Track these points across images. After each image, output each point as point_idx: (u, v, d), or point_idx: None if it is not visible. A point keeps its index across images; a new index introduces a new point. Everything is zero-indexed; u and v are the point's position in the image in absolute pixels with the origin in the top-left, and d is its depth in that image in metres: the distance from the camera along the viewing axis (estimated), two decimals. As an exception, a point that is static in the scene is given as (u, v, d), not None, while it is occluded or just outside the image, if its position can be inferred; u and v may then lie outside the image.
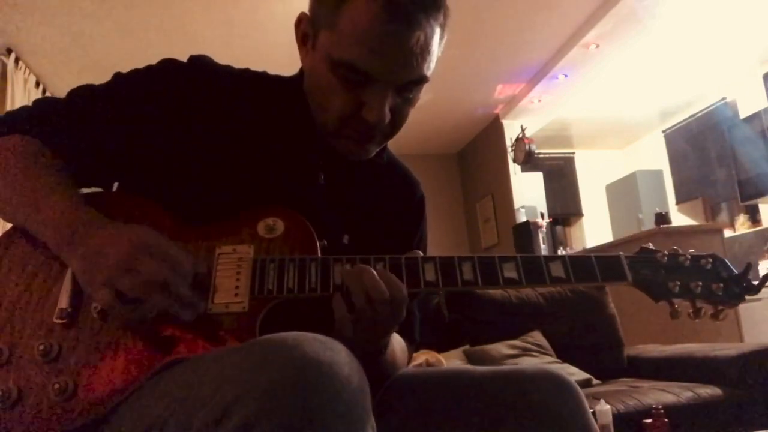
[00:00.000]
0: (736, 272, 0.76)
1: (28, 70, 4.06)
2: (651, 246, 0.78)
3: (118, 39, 3.86)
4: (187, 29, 3.81)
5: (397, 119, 0.79)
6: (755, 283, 0.75)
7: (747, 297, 0.74)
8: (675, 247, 0.77)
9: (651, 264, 0.76)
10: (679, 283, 0.74)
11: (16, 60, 3.91)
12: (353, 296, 0.68)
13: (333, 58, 0.73)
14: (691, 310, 0.75)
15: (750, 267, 0.74)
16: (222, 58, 0.86)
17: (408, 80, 0.75)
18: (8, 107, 3.73)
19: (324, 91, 0.77)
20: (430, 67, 0.76)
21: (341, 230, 0.84)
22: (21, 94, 3.91)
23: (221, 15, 3.68)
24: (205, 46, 3.71)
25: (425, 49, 0.73)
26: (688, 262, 0.76)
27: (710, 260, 0.76)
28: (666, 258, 0.76)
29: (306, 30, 0.79)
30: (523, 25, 4.05)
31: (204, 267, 0.70)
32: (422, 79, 0.76)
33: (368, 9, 0.70)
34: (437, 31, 0.74)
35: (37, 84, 4.21)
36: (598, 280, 0.74)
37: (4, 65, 3.86)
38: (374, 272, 0.68)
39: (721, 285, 0.74)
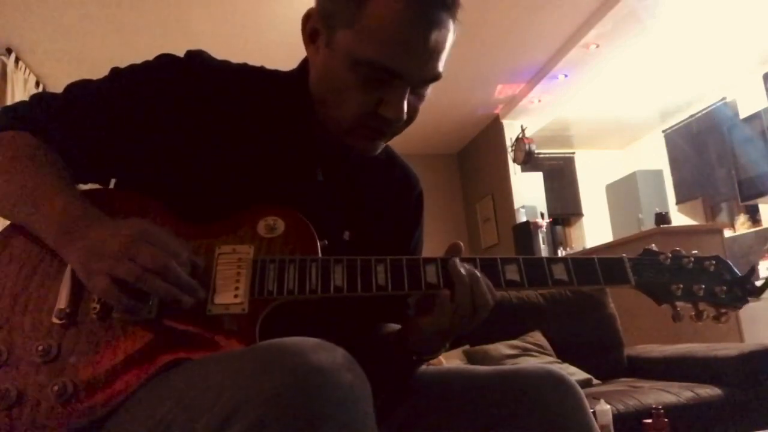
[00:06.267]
0: (740, 275, 0.75)
1: (28, 70, 4.05)
2: (654, 247, 0.78)
3: (119, 38, 3.85)
4: (187, 28, 3.80)
5: (411, 115, 0.78)
6: (759, 285, 0.74)
7: (750, 300, 0.74)
8: (678, 248, 0.77)
9: (654, 266, 0.76)
10: (682, 285, 0.74)
11: (16, 60, 3.90)
12: (461, 296, 0.72)
13: (356, 57, 0.72)
14: (693, 313, 0.74)
15: (754, 270, 0.73)
16: (222, 55, 0.85)
17: (428, 77, 0.75)
18: (8, 107, 3.72)
19: (341, 90, 0.75)
20: (444, 63, 0.76)
21: (342, 227, 0.83)
22: (21, 94, 3.90)
23: (222, 14, 3.68)
24: (206, 45, 3.70)
25: (444, 46, 0.74)
26: (691, 264, 0.75)
27: (713, 262, 0.75)
28: (669, 260, 0.76)
29: (316, 26, 0.77)
30: (523, 25, 4.05)
31: (203, 261, 0.69)
32: (439, 76, 0.76)
33: (394, 8, 0.69)
34: (452, 27, 0.75)
35: (37, 84, 4.21)
36: (601, 283, 0.74)
37: (4, 65, 3.86)
38: (483, 283, 0.73)
39: (724, 288, 0.74)
